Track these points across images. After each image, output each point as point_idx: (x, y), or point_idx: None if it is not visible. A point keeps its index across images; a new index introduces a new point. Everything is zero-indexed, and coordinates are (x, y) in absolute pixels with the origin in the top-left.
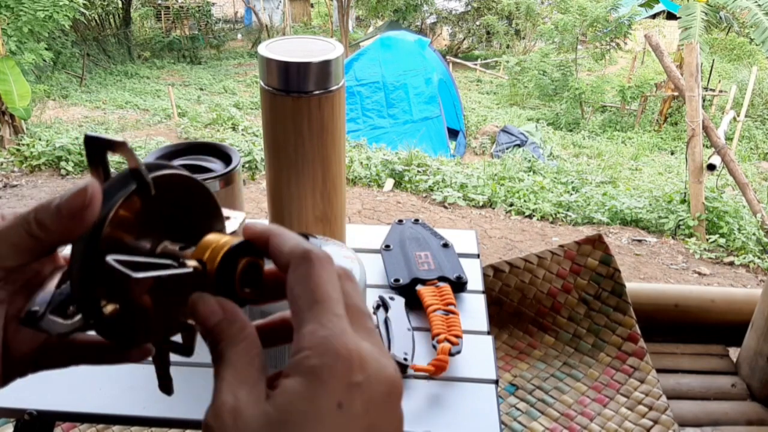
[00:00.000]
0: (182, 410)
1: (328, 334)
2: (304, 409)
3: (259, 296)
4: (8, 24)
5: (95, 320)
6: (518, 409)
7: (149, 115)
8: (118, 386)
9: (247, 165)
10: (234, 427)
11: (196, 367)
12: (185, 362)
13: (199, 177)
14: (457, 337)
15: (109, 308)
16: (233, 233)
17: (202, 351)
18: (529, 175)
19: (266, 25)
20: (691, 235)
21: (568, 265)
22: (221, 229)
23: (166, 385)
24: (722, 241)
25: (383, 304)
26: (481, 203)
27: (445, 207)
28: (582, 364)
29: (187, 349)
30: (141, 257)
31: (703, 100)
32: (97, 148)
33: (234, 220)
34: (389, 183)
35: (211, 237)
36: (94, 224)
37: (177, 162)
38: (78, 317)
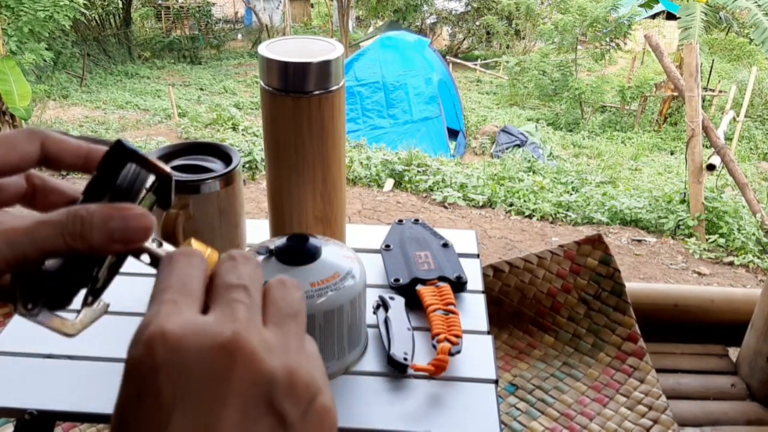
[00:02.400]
0: None
1: (151, 314)
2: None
3: None
4: (9, 24)
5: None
6: (518, 408)
7: (149, 115)
8: (118, 386)
9: (247, 165)
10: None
11: None
12: None
13: (199, 177)
14: (457, 336)
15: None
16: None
17: None
18: (528, 175)
19: (266, 26)
20: (690, 235)
21: (567, 265)
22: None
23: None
24: (722, 241)
25: (383, 304)
26: (481, 203)
27: (445, 207)
28: (582, 364)
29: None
30: None
31: (703, 101)
32: (123, 156)
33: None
34: (389, 183)
35: (198, 246)
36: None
37: (177, 162)
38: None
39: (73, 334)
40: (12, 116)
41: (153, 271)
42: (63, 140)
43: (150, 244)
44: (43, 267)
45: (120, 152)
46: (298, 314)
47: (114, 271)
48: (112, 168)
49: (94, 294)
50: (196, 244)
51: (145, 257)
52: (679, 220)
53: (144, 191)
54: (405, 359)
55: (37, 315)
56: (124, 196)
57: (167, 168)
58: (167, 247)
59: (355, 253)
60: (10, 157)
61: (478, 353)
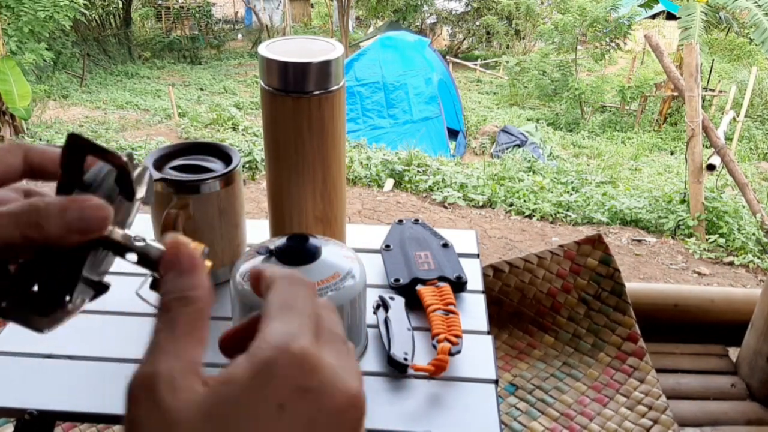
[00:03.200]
0: None
1: (287, 331)
2: (244, 402)
3: None
4: (9, 24)
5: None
6: (518, 408)
7: (149, 115)
8: (118, 386)
9: (247, 165)
10: (165, 403)
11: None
12: None
13: (199, 177)
14: (457, 336)
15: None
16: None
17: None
18: (528, 175)
19: (266, 26)
20: (690, 235)
21: (567, 265)
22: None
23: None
24: (722, 241)
25: (383, 304)
26: (481, 203)
27: (445, 207)
28: (582, 364)
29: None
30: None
31: (703, 101)
32: (79, 148)
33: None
34: (389, 183)
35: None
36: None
37: (177, 162)
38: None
39: (43, 330)
40: (12, 116)
41: (141, 270)
42: (45, 150)
43: (135, 242)
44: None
45: (75, 146)
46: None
47: (88, 267)
48: (74, 163)
49: (65, 292)
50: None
51: (131, 256)
52: (679, 220)
53: (110, 183)
54: (405, 359)
55: (6, 313)
56: (91, 191)
57: (123, 157)
58: (152, 244)
59: (355, 253)
60: None
61: (478, 353)
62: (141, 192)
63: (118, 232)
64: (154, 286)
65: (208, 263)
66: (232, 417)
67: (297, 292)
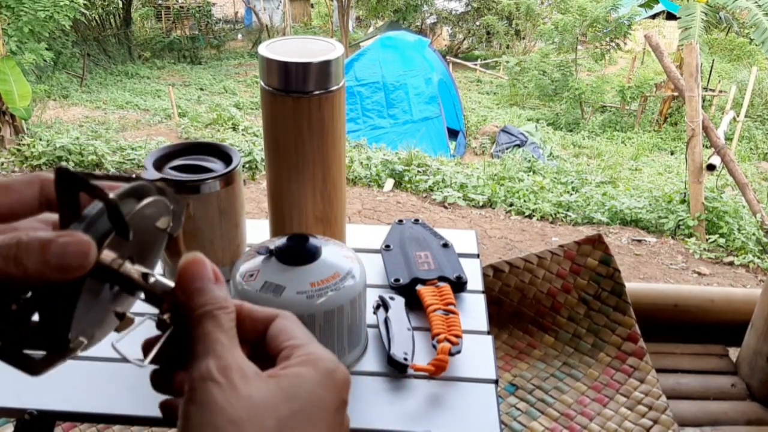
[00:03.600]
0: None
1: (333, 358)
2: (315, 398)
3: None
4: (9, 24)
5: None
6: (518, 408)
7: (149, 115)
8: (118, 386)
9: (247, 165)
10: (243, 388)
11: None
12: None
13: (199, 177)
14: (457, 336)
15: (75, 344)
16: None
17: None
18: (528, 175)
19: (266, 26)
20: (690, 235)
21: (567, 265)
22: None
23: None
24: (722, 241)
25: (383, 304)
26: (481, 203)
27: (445, 207)
28: (582, 364)
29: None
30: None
31: (703, 101)
32: (70, 183)
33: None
34: (389, 183)
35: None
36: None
37: (177, 162)
38: (43, 355)
39: (38, 372)
40: (12, 116)
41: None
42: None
43: (144, 278)
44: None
45: (65, 180)
46: None
47: (103, 305)
48: (68, 196)
49: (62, 330)
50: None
51: (140, 293)
52: (679, 220)
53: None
54: (405, 359)
55: (1, 353)
56: (87, 225)
57: (111, 195)
58: (161, 280)
59: (355, 253)
60: (3, 199)
61: (478, 353)
62: (164, 223)
63: (129, 268)
64: (159, 326)
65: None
66: (304, 406)
67: (301, 326)
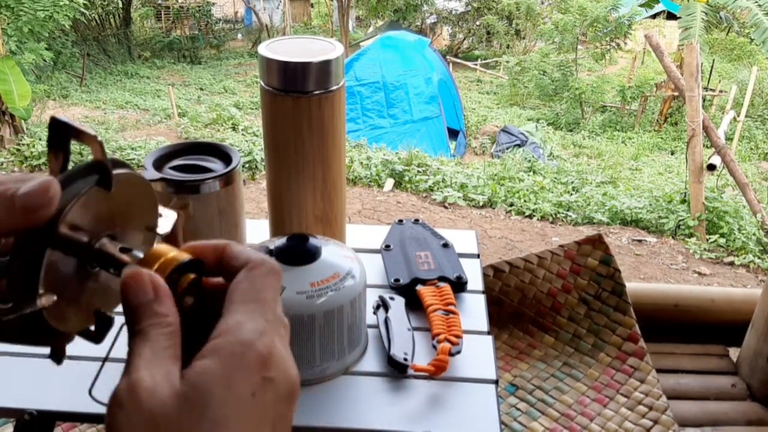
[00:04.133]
0: None
1: (253, 329)
2: (220, 391)
3: (197, 308)
4: (8, 24)
5: (28, 311)
6: (518, 409)
7: (149, 115)
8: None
9: (247, 165)
10: (149, 405)
11: None
12: None
13: (199, 177)
14: (457, 337)
15: (45, 300)
16: (166, 235)
17: None
18: (529, 175)
19: (266, 25)
20: (691, 235)
21: (568, 265)
22: (153, 225)
23: (57, 356)
24: (722, 241)
25: (383, 304)
26: (481, 203)
27: (445, 207)
28: (582, 364)
29: (97, 337)
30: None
31: (703, 100)
32: (62, 133)
33: (166, 218)
34: (389, 183)
35: (160, 248)
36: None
37: (177, 162)
38: (9, 305)
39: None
40: (12, 116)
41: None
42: None
43: (118, 251)
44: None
45: (57, 128)
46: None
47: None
48: (59, 147)
49: (26, 281)
50: (160, 246)
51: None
52: (680, 220)
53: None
54: (405, 359)
55: None
56: (71, 176)
57: (92, 131)
58: (134, 253)
59: (355, 253)
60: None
61: (478, 353)
62: (165, 227)
63: (106, 242)
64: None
65: (190, 276)
66: (210, 405)
67: (267, 281)
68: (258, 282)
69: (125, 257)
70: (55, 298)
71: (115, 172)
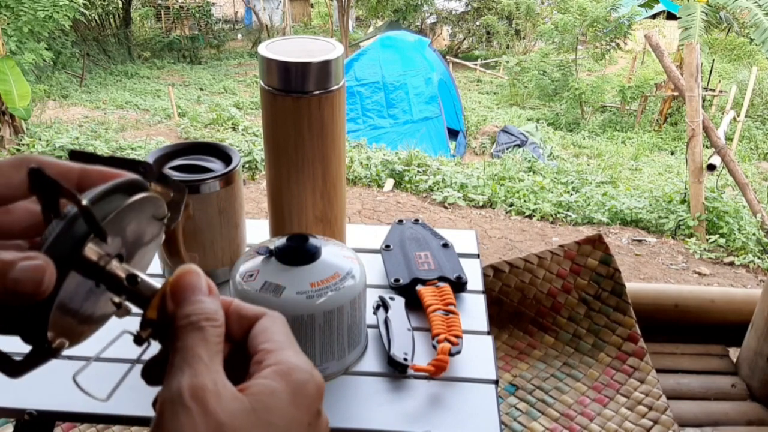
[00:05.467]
0: None
1: (307, 362)
2: (286, 412)
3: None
4: (8, 24)
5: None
6: (518, 409)
7: (149, 115)
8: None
9: (247, 165)
10: (215, 411)
11: None
12: None
13: (199, 177)
14: (457, 337)
15: (57, 342)
16: (167, 231)
17: None
18: (529, 175)
19: (266, 25)
20: (691, 235)
21: (568, 265)
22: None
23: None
24: (722, 241)
25: (383, 304)
26: (481, 203)
27: (445, 207)
28: (582, 364)
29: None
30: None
31: (703, 100)
32: (48, 191)
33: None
34: (389, 183)
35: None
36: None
37: (177, 162)
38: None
39: (13, 376)
40: (12, 116)
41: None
42: (52, 164)
43: (128, 279)
44: None
45: (39, 182)
46: None
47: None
48: (46, 196)
49: (35, 336)
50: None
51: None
52: (680, 220)
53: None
54: (405, 359)
55: None
56: (66, 227)
57: (83, 200)
58: (148, 282)
59: (355, 253)
60: None
61: (478, 353)
62: (159, 215)
63: (115, 266)
64: (144, 325)
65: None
66: (274, 424)
67: (285, 327)
68: (283, 327)
69: (132, 286)
70: (67, 342)
71: (107, 218)
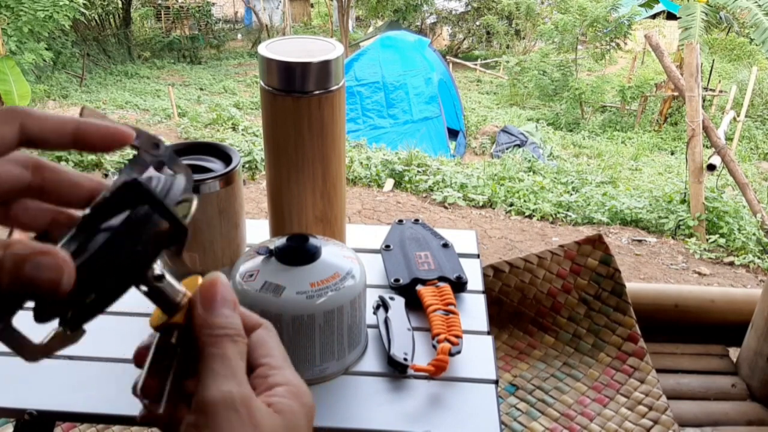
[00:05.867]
0: None
1: (304, 383)
2: (304, 430)
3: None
4: (8, 24)
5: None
6: (518, 409)
7: (149, 115)
8: (118, 386)
9: (247, 165)
10: (260, 419)
11: None
12: None
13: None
14: (457, 337)
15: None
16: None
17: None
18: (529, 175)
19: (266, 25)
20: (691, 235)
21: (568, 265)
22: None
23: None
24: (722, 241)
25: (383, 304)
26: (481, 203)
27: (445, 207)
28: (582, 364)
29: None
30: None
31: (703, 100)
32: (140, 199)
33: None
34: (389, 183)
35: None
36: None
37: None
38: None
39: (31, 360)
40: None
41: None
42: (45, 117)
43: (157, 278)
44: None
45: (133, 193)
46: None
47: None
48: (114, 207)
49: (72, 322)
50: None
51: (143, 287)
52: (680, 220)
53: (151, 239)
54: (405, 359)
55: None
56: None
57: (185, 222)
58: (176, 286)
59: (355, 253)
60: None
61: (478, 353)
62: (184, 211)
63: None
64: (166, 330)
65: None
66: None
67: (279, 340)
68: (279, 341)
69: (161, 284)
70: (85, 331)
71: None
